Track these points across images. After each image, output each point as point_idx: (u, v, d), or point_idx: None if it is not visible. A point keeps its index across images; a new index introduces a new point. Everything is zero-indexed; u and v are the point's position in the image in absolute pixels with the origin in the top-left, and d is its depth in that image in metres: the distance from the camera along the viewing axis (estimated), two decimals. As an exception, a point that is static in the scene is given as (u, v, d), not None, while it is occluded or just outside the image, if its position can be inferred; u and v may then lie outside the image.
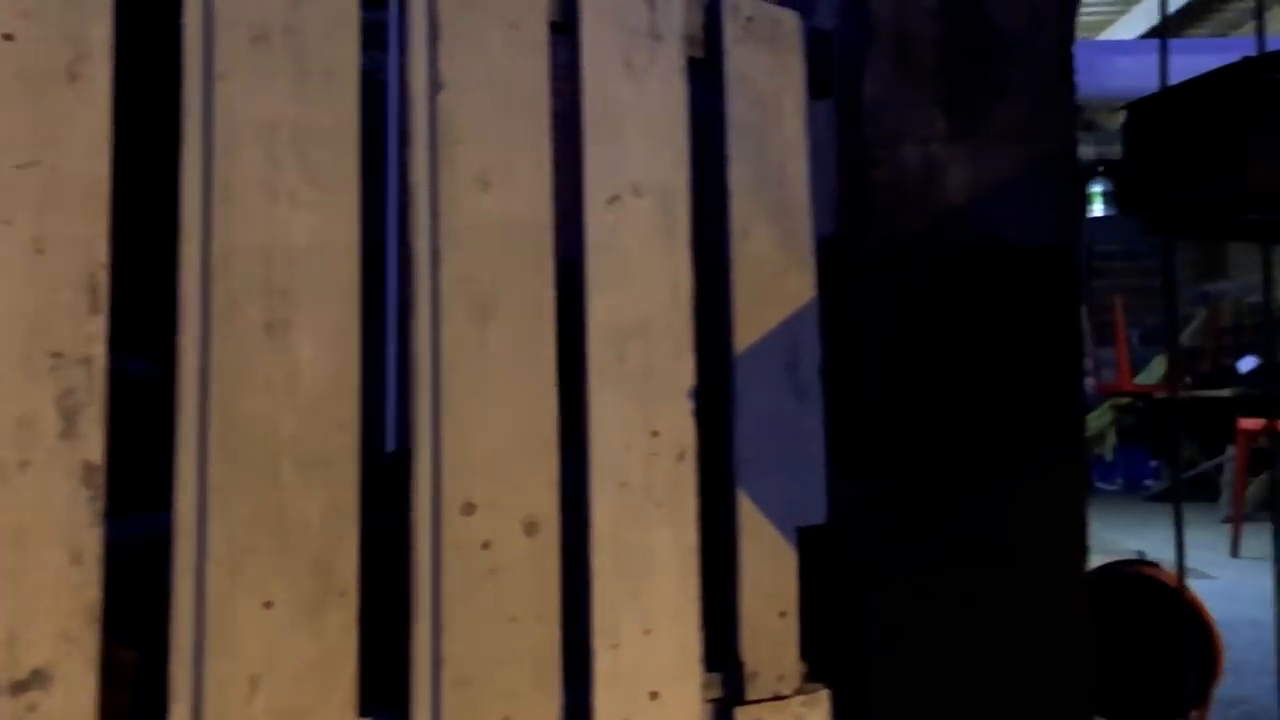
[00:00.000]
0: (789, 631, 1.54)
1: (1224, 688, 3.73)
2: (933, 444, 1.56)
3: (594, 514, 1.38)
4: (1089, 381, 4.04)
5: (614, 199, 1.44)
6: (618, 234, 1.44)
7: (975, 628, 1.55)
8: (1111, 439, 8.57)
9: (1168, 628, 2.25)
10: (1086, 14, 5.61)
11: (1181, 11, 5.25)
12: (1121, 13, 5.47)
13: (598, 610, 1.37)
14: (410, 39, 1.29)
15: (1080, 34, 5.83)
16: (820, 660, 1.60)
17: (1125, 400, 8.19)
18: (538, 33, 1.39)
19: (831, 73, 1.69)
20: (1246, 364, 6.93)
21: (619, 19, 1.46)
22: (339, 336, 1.21)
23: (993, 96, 1.59)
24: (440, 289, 1.28)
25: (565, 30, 1.43)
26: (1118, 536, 6.31)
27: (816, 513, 1.60)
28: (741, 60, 1.58)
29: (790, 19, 1.64)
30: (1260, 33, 1.63)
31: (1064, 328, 1.59)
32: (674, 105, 1.51)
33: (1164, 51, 1.68)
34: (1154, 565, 2.49)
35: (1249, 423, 5.41)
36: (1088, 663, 1.59)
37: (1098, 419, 8.51)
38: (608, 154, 1.44)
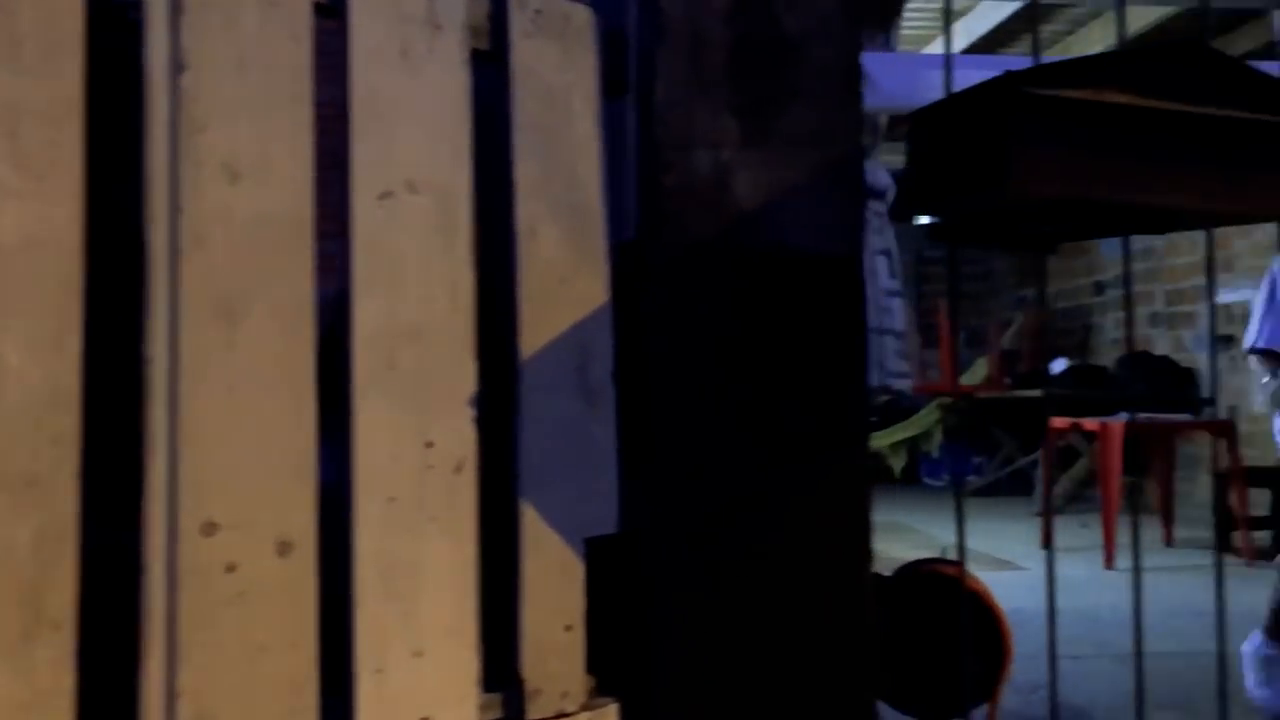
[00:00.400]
0: (575, 646, 1.49)
1: (1027, 673, 3.90)
2: (720, 448, 1.54)
3: (358, 531, 1.30)
4: (906, 383, 4.15)
5: (386, 195, 1.35)
6: (390, 232, 1.36)
7: (762, 631, 1.55)
8: (937, 437, 8.94)
9: (961, 624, 2.32)
10: (911, 28, 5.82)
11: (999, 30, 5.50)
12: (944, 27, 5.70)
13: (361, 633, 1.28)
14: (148, 12, 1.18)
15: (906, 46, 6.04)
16: (610, 673, 1.56)
17: (950, 400, 8.56)
18: (299, 13, 1.29)
19: (628, 71, 1.66)
20: (1057, 366, 7.34)
21: (394, 5, 1.38)
22: (55, 342, 1.09)
23: (784, 102, 1.58)
24: (180, 288, 1.17)
25: (333, 14, 1.34)
26: (940, 531, 6.58)
27: (607, 521, 1.56)
28: (529, 54, 1.52)
29: (582, 13, 1.59)
30: (1036, 50, 1.68)
31: (848, 334, 1.60)
32: (455, 98, 1.44)
33: (949, 65, 1.71)
34: (954, 563, 2.58)
35: (1058, 422, 5.73)
36: (871, 662, 1.60)
37: (925, 418, 8.86)
38: (378, 147, 1.35)
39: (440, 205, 1.41)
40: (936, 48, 5.69)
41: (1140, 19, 5.03)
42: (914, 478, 9.18)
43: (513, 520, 1.45)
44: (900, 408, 8.72)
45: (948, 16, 1.99)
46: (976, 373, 8.72)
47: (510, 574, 1.44)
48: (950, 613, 2.29)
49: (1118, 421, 5.32)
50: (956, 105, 1.43)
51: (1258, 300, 3.01)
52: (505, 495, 1.46)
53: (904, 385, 4.25)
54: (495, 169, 1.50)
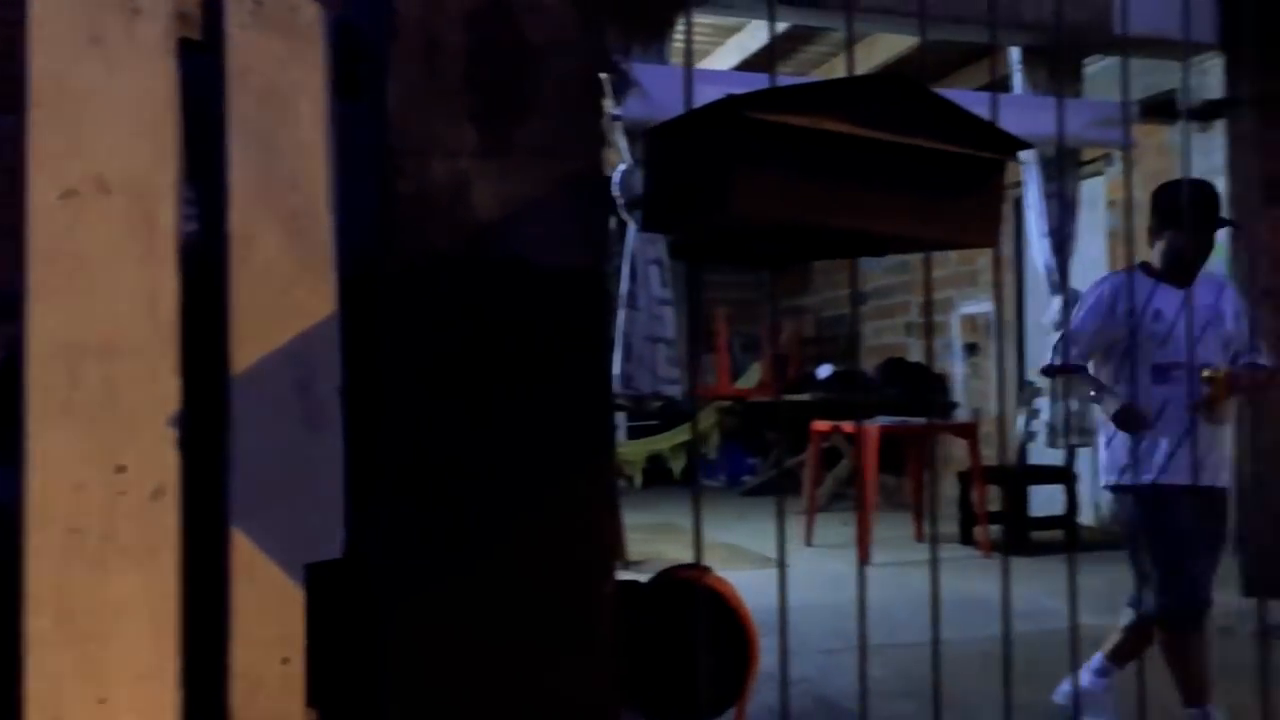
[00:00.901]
0: (293, 679, 1.40)
1: (787, 668, 4.09)
2: (455, 466, 1.50)
3: (32, 566, 1.16)
4: (677, 389, 4.24)
5: (69, 193, 1.23)
6: (74, 236, 1.23)
7: (496, 651, 1.51)
8: (715, 439, 9.23)
9: (709, 629, 2.38)
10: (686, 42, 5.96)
11: (768, 50, 5.71)
12: (719, 44, 5.87)
13: (34, 682, 1.15)
14: None
15: (679, 60, 6.18)
16: (335, 704, 1.48)
17: (727, 403, 8.86)
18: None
19: (362, 73, 1.58)
20: (823, 371, 7.72)
21: (83, -15, 1.25)
22: None
23: (522, 112, 1.56)
24: None
25: (8, -9, 1.20)
26: (715, 531, 6.79)
27: (331, 546, 1.47)
28: (247, 49, 1.42)
29: (310, 8, 1.51)
30: (772, 70, 1.73)
31: (590, 348, 1.59)
32: (157, 91, 1.32)
33: (689, 80, 1.73)
34: (705, 570, 2.64)
35: (820, 425, 6.02)
36: (608, 675, 1.60)
37: (703, 421, 9.13)
38: (61, 141, 1.22)
39: (137, 206, 1.29)
40: (712, 62, 5.85)
41: (892, 47, 5.35)
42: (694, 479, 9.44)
43: (223, 547, 1.35)
44: (682, 412, 8.95)
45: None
46: (751, 377, 9.07)
47: (221, 605, 1.34)
48: (705, 622, 2.34)
49: (874, 425, 5.65)
50: (686, 125, 1.45)
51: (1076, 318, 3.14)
52: (218, 521, 1.36)
53: (675, 391, 4.35)
54: (211, 170, 1.39)
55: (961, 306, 7.44)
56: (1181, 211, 2.92)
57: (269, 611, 1.38)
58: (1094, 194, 5.75)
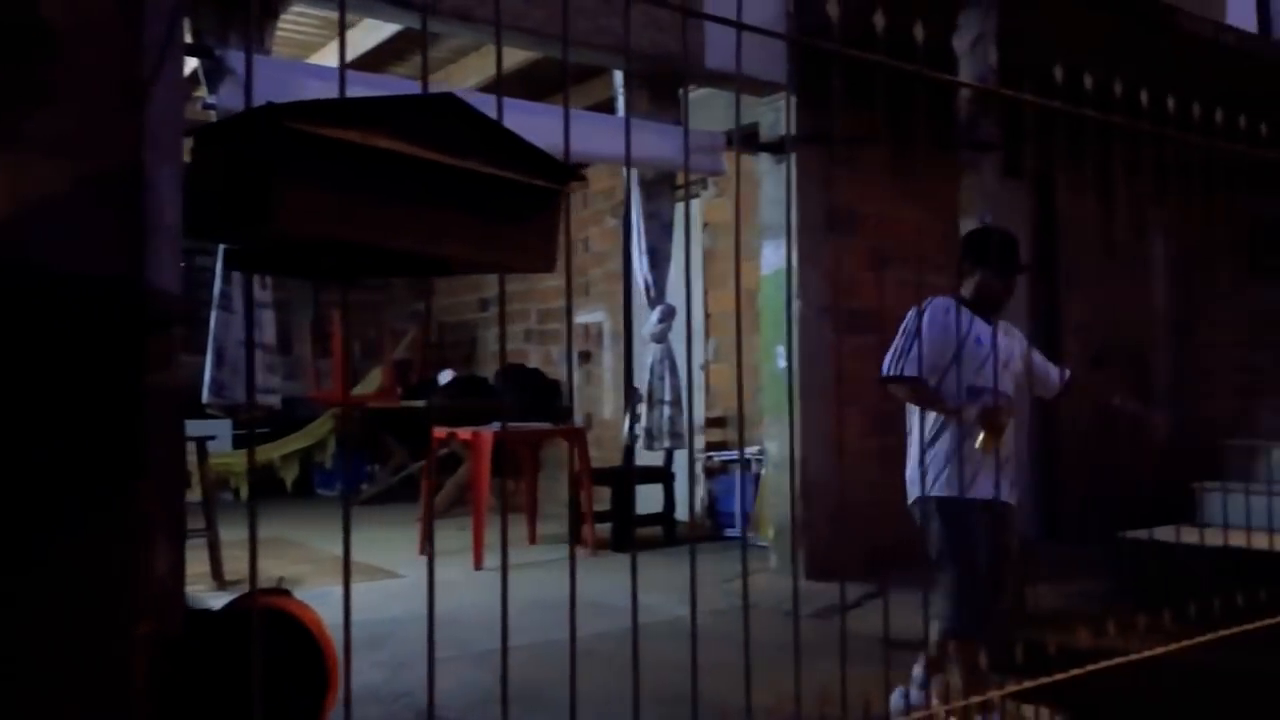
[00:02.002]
0: None
1: (392, 682, 3.97)
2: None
3: None
4: (274, 398, 4.02)
5: None
6: None
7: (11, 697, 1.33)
8: (331, 447, 8.87)
9: (283, 655, 2.26)
10: (300, 34, 5.68)
11: (383, 48, 5.58)
12: (331, 38, 5.64)
13: None
14: None
15: (293, 52, 5.88)
16: None
17: (343, 410, 8.54)
18: None
19: None
20: (444, 377, 7.69)
21: None
22: None
23: (36, 103, 1.38)
24: None
25: None
26: (328, 544, 6.51)
27: None
28: None
29: None
30: (426, 74, 1.67)
31: (112, 365, 1.44)
32: None
33: (249, 70, 1.62)
34: (285, 593, 2.51)
35: (438, 431, 5.98)
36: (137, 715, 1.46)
37: (318, 428, 8.74)
38: None
39: None
40: (321, 57, 5.61)
41: (508, 59, 5.44)
42: (308, 489, 9.02)
43: None
44: (296, 418, 8.50)
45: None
46: (372, 383, 8.82)
47: None
48: (273, 647, 2.21)
49: (487, 431, 5.70)
50: (230, 130, 1.35)
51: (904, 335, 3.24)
52: None
53: (273, 400, 4.11)
54: None
55: (575, 315, 7.74)
56: (990, 253, 3.11)
57: None
58: (690, 215, 6.20)
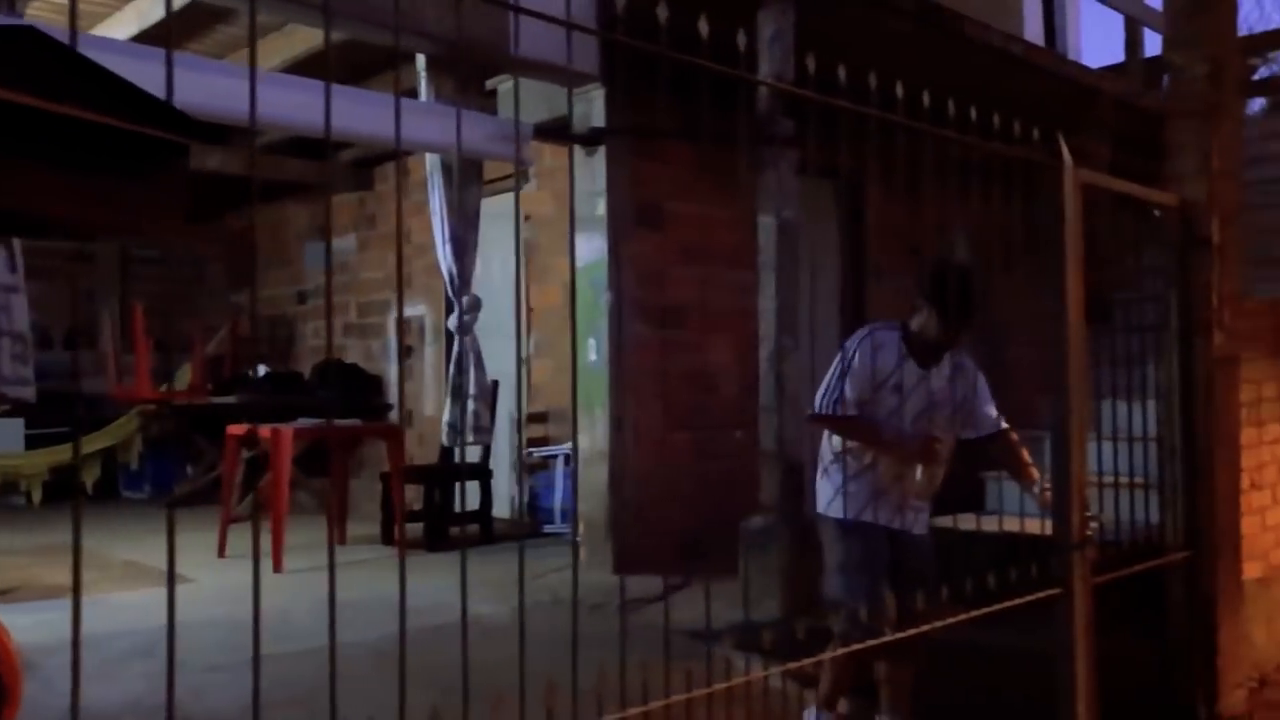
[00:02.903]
0: None
1: (158, 692, 3.71)
2: None
3: None
4: (27, 390, 3.71)
5: None
6: None
7: None
8: (138, 447, 8.38)
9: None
10: (86, 3, 5.31)
11: (181, 21, 5.28)
12: (117, 9, 5.30)
13: None
14: None
15: (82, 23, 5.49)
16: None
17: (153, 407, 8.07)
18: None
19: None
20: (258, 372, 7.36)
21: None
22: None
23: None
24: None
25: None
26: (120, 547, 6.13)
27: None
28: None
29: None
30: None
31: None
32: None
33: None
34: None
35: (235, 428, 5.70)
36: None
37: (122, 427, 8.23)
38: None
39: None
40: (108, 28, 5.27)
41: (312, 39, 5.23)
42: (113, 491, 8.49)
43: None
44: (96, 418, 7.98)
45: None
46: (184, 378, 8.37)
47: None
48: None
49: (288, 427, 5.47)
50: None
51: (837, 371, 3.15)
52: None
53: (26, 394, 3.79)
54: None
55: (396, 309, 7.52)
56: (943, 295, 3.00)
57: None
58: (509, 208, 6.10)
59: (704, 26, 2.38)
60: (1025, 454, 3.26)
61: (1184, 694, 3.68)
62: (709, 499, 4.93)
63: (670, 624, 2.69)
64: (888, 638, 2.79)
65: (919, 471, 3.13)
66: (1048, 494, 3.02)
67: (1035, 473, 3.18)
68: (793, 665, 2.65)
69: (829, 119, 2.30)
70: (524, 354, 6.57)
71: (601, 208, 5.08)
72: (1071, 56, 7.70)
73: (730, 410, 5.40)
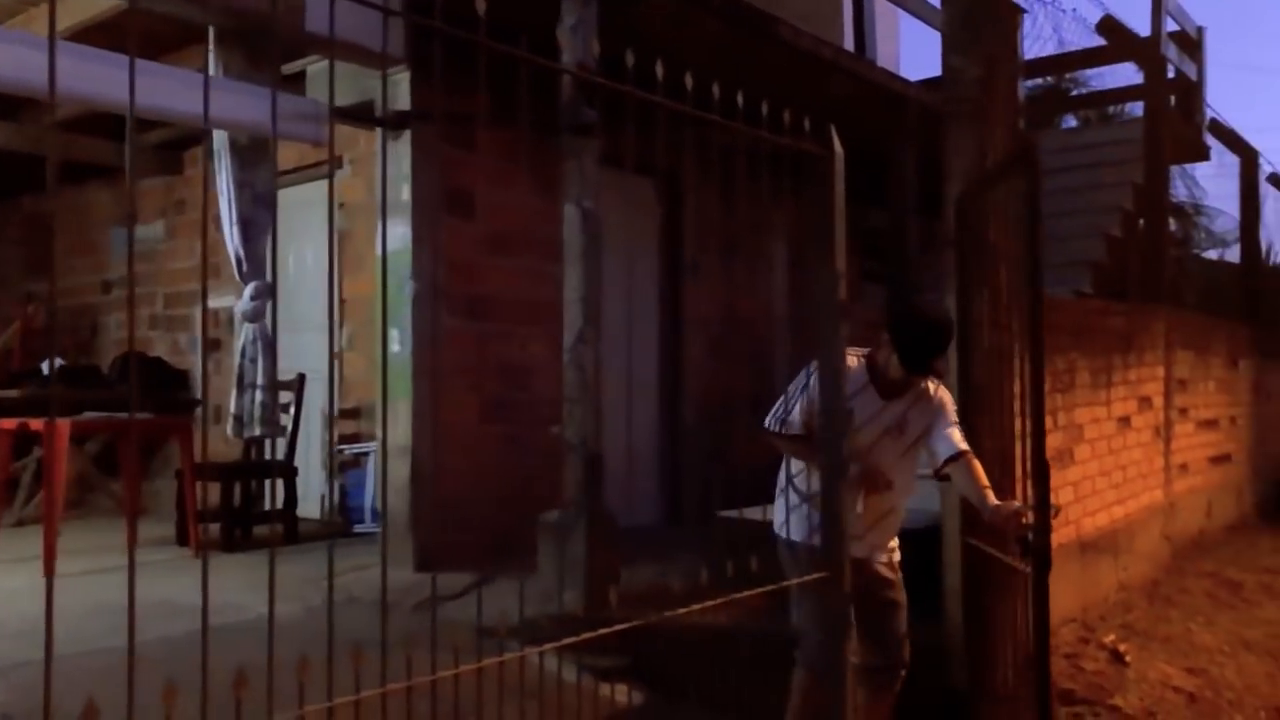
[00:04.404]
0: None
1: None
2: None
3: None
4: None
5: None
6: None
7: None
8: (-87, 446, 7.69)
9: None
10: None
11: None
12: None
13: None
14: None
15: None
16: None
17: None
18: None
19: None
20: (49, 365, 6.86)
21: None
22: None
23: None
24: None
25: None
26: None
27: None
28: None
29: None
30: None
31: None
32: None
33: None
34: None
35: (5, 423, 5.28)
36: None
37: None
38: None
39: None
40: None
41: (91, 7, 4.91)
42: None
43: None
44: None
45: None
46: (-31, 372, 7.74)
47: None
48: None
49: (64, 421, 5.10)
50: None
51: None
52: None
53: None
54: None
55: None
56: (907, 340, 2.97)
57: None
58: (323, 196, 5.86)
59: (480, 4, 2.30)
60: (983, 476, 3.09)
61: (956, 676, 3.81)
62: (522, 495, 4.84)
63: (463, 620, 2.61)
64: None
65: (859, 503, 3.01)
66: (998, 514, 2.97)
67: (991, 495, 3.04)
68: (552, 645, 2.59)
69: (648, 116, 2.25)
70: (337, 347, 6.34)
71: (406, 193, 4.94)
72: (891, 69, 7.97)
73: (545, 405, 5.33)
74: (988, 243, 3.74)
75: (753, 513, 3.78)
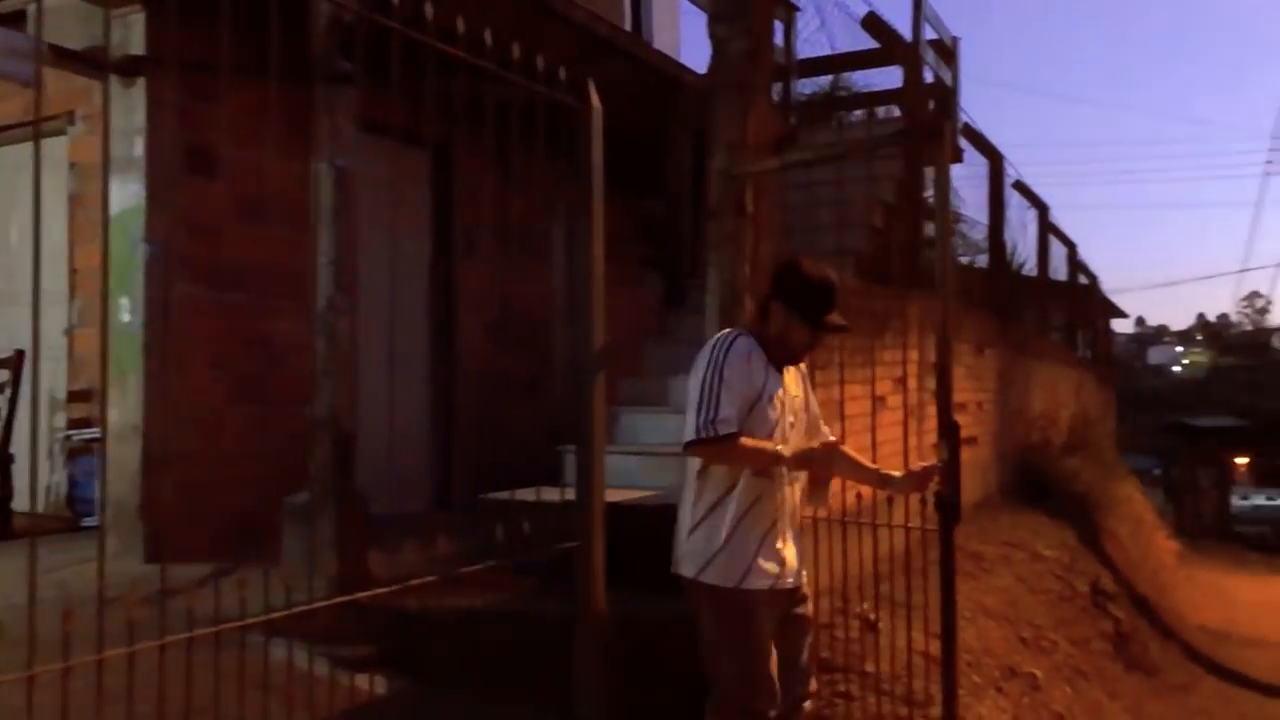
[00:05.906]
0: None
1: None
2: None
3: None
4: None
5: None
6: None
7: None
8: None
9: None
10: None
11: None
12: None
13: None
14: None
15: None
16: None
17: None
18: None
19: None
20: None
21: None
22: None
23: None
24: None
25: None
26: None
27: None
28: None
29: None
30: None
31: None
32: None
33: None
34: None
35: None
36: None
37: None
38: None
39: None
40: None
41: None
42: None
43: None
44: None
45: None
46: None
47: None
48: None
49: None
50: None
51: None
52: None
53: None
54: None
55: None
56: (806, 299, 2.70)
57: None
58: (54, 155, 5.26)
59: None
60: (853, 453, 2.98)
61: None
62: (272, 478, 4.49)
63: (201, 614, 2.38)
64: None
65: (796, 490, 2.78)
66: (913, 477, 2.97)
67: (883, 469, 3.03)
68: (270, 616, 2.37)
69: (416, 78, 2.04)
70: (67, 323, 5.71)
71: (140, 148, 4.48)
72: (673, 55, 8.03)
73: (301, 384, 4.99)
74: (750, 216, 3.76)
75: (525, 494, 3.65)
